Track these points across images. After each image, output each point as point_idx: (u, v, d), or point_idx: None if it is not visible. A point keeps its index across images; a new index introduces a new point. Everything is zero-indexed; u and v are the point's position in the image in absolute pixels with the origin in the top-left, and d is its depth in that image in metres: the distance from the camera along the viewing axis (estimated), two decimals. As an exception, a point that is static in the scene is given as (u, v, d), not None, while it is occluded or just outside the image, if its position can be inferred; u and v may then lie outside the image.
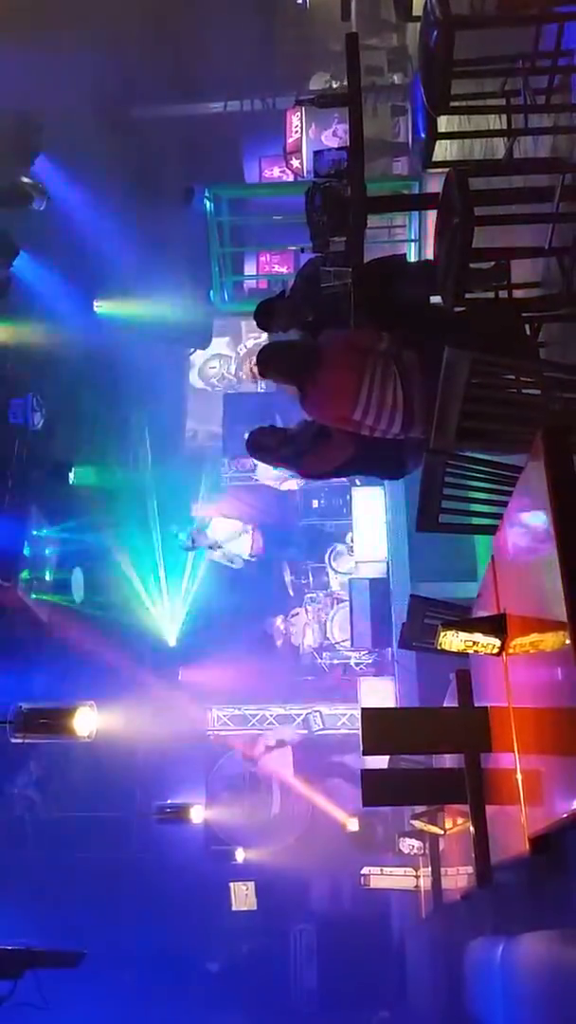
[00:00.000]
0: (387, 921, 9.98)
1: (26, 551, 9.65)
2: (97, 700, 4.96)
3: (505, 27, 3.91)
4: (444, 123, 4.35)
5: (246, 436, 4.45)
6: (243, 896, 10.14)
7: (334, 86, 10.84)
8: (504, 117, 3.91)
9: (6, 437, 9.25)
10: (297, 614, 11.92)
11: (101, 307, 11.14)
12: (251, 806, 11.04)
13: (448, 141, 4.93)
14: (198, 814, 9.35)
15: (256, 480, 11.75)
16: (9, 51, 8.21)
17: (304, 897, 10.83)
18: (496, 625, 2.74)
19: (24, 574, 9.63)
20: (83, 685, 8.91)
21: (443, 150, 5.05)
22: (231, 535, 10.94)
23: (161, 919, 9.54)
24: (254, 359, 4.32)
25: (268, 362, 4.07)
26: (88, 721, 4.57)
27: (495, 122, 4.16)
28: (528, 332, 3.79)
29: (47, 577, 10.11)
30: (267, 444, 4.37)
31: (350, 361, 3.79)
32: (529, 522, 2.45)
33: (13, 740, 4.51)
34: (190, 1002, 9.20)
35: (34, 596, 9.78)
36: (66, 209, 9.88)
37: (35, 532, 9.93)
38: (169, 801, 9.49)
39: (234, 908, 10.15)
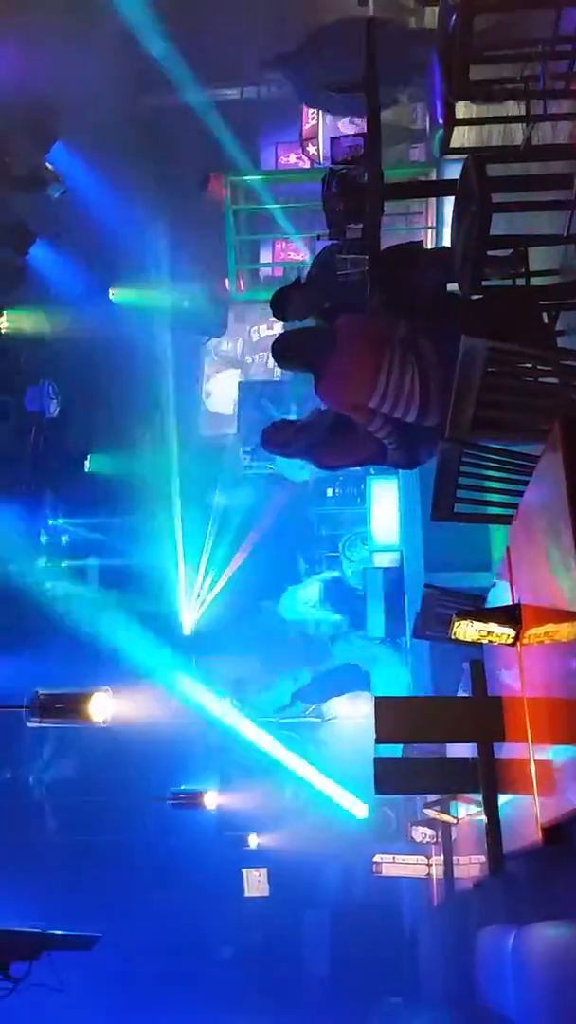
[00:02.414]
0: (399, 909, 10.02)
1: (42, 539, 9.72)
2: (112, 687, 4.99)
3: (524, 11, 3.87)
4: (462, 109, 4.32)
5: (261, 431, 4.45)
6: (256, 882, 10.20)
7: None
8: (523, 103, 3.87)
9: (22, 425, 9.31)
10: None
11: (117, 295, 11.14)
12: (264, 792, 11.10)
13: (466, 127, 4.89)
14: (212, 800, 9.41)
15: (272, 469, 11.74)
16: (26, 39, 8.21)
17: (316, 884, 10.88)
18: (511, 615, 2.74)
19: (41, 562, 9.70)
20: (98, 672, 8.96)
21: (461, 136, 5.01)
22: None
23: (174, 904, 9.62)
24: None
25: (284, 349, 4.05)
26: (104, 707, 4.60)
27: (513, 108, 4.12)
28: (546, 320, 3.76)
29: (63, 565, 10.18)
30: (281, 439, 4.35)
31: (367, 349, 3.77)
32: (545, 512, 2.44)
33: (30, 724, 4.55)
34: (202, 987, 9.28)
35: (50, 584, 9.86)
36: (82, 197, 9.89)
37: (51, 520, 9.99)
38: (183, 787, 9.55)
39: (247, 894, 10.22)
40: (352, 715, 10.73)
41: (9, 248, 8.84)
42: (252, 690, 11.33)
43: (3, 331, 8.60)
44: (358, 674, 10.32)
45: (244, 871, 10.23)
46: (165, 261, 11.11)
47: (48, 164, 9.15)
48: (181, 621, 12.13)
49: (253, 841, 10.58)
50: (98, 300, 10.86)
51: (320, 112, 10.76)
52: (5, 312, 8.66)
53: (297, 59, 8.30)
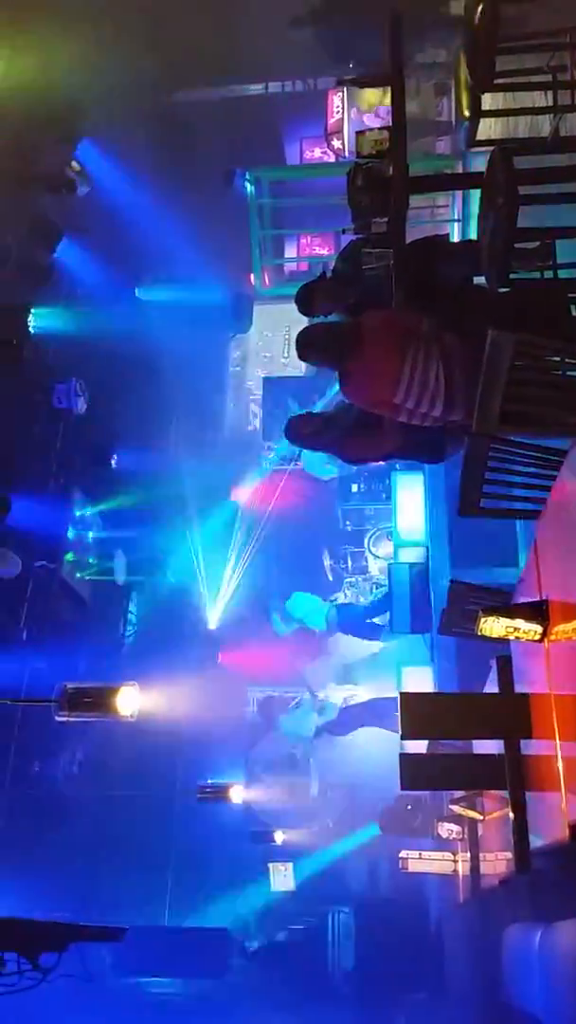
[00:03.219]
0: (425, 905, 9.99)
1: (70, 534, 9.81)
2: (138, 680, 5.02)
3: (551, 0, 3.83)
4: (488, 101, 4.29)
5: (285, 425, 4.44)
6: (282, 877, 10.22)
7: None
8: (550, 94, 3.83)
9: (50, 421, 9.39)
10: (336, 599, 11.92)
11: (143, 291, 11.19)
12: (290, 788, 11.12)
13: (492, 119, 4.85)
14: (238, 794, 9.44)
15: (299, 466, 11.74)
16: (51, 36, 8.26)
17: (342, 879, 10.89)
18: (538, 611, 2.72)
19: (68, 556, 9.79)
20: (125, 665, 9.04)
21: (487, 128, 4.97)
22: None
23: (201, 897, 9.68)
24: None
25: (308, 344, 4.04)
26: (131, 700, 4.63)
27: (540, 99, 4.08)
28: (574, 313, 3.72)
29: (90, 559, 10.26)
30: (306, 432, 4.34)
31: (391, 343, 3.75)
32: (574, 507, 2.42)
33: (58, 718, 4.60)
34: (227, 980, 9.33)
35: (78, 576, 9.94)
36: (108, 194, 9.93)
37: (79, 515, 10.07)
38: (210, 781, 9.60)
39: (273, 888, 10.25)
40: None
41: (37, 246, 8.91)
42: (278, 708, 11.35)
43: (31, 329, 8.65)
44: (388, 706, 10.15)
45: (270, 865, 10.26)
46: (190, 257, 11.13)
47: (75, 161, 9.20)
48: (207, 615, 12.19)
49: (279, 836, 10.61)
50: (124, 297, 10.91)
51: (345, 106, 10.72)
52: (33, 310, 8.72)
53: (324, 19, 8.47)
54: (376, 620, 10.57)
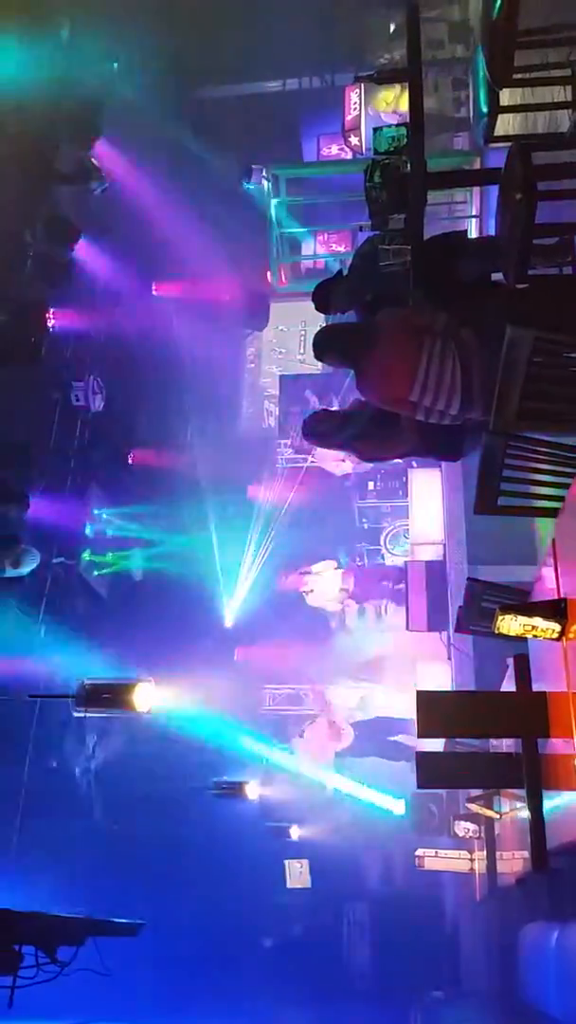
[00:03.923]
0: (441, 903, 9.98)
1: (88, 531, 9.86)
2: (156, 677, 5.04)
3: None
4: (507, 96, 4.26)
5: (302, 422, 4.44)
6: (298, 874, 10.23)
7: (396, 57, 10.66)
8: (569, 89, 3.80)
9: (68, 419, 9.44)
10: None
11: (159, 289, 11.23)
12: (305, 785, 11.13)
13: (510, 115, 4.81)
14: (253, 790, 9.46)
15: (313, 462, 11.75)
16: (70, 33, 8.29)
17: (359, 876, 10.89)
18: (556, 610, 2.71)
19: (85, 554, 9.84)
20: (141, 663, 9.04)
21: (505, 124, 4.94)
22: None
23: (217, 894, 9.70)
24: None
25: (324, 345, 4.03)
26: (148, 696, 4.67)
27: (560, 94, 4.05)
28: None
29: (107, 556, 10.31)
30: (323, 430, 4.34)
31: (407, 340, 3.73)
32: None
33: (75, 714, 4.64)
34: (243, 977, 9.35)
35: (95, 575, 9.99)
36: (125, 191, 9.96)
37: (96, 512, 10.12)
38: (225, 777, 9.63)
39: (289, 885, 10.26)
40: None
41: (55, 244, 8.95)
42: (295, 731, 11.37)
43: (49, 327, 8.71)
44: (402, 727, 10.10)
45: (286, 862, 10.27)
46: (207, 254, 11.15)
47: (92, 159, 9.22)
48: (223, 613, 12.21)
49: (295, 832, 10.62)
50: (141, 295, 10.94)
51: (362, 102, 10.70)
52: (51, 308, 8.77)
53: None
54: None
